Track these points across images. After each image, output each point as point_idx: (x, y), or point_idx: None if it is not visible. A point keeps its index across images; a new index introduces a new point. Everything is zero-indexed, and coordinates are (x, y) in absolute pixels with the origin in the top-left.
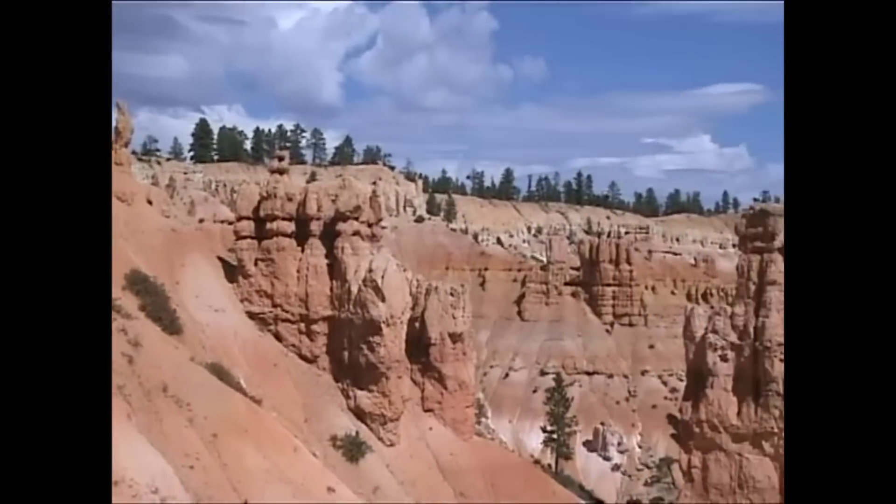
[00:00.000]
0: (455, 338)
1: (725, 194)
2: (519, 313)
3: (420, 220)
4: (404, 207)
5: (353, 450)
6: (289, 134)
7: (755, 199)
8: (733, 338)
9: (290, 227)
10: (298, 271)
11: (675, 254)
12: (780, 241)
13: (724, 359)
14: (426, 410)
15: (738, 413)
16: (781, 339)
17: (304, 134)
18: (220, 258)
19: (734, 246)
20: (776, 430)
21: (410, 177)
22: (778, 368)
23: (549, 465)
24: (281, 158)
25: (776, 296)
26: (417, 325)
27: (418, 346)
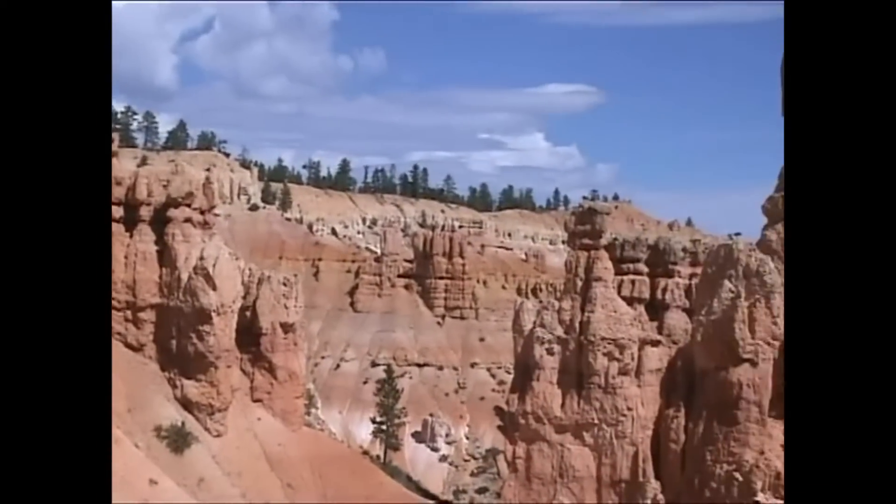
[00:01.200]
0: (287, 328)
1: (557, 192)
2: (352, 304)
3: (254, 208)
4: (238, 195)
5: (178, 440)
6: (119, 116)
7: (584, 198)
8: (560, 332)
9: (118, 211)
10: (126, 257)
11: (507, 249)
12: (606, 238)
13: (550, 352)
14: (255, 401)
15: (562, 405)
16: (605, 334)
17: (135, 116)
18: None
19: (564, 242)
20: (596, 421)
21: (246, 164)
22: (601, 362)
23: (378, 456)
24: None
25: (601, 291)
26: (248, 314)
27: (249, 335)
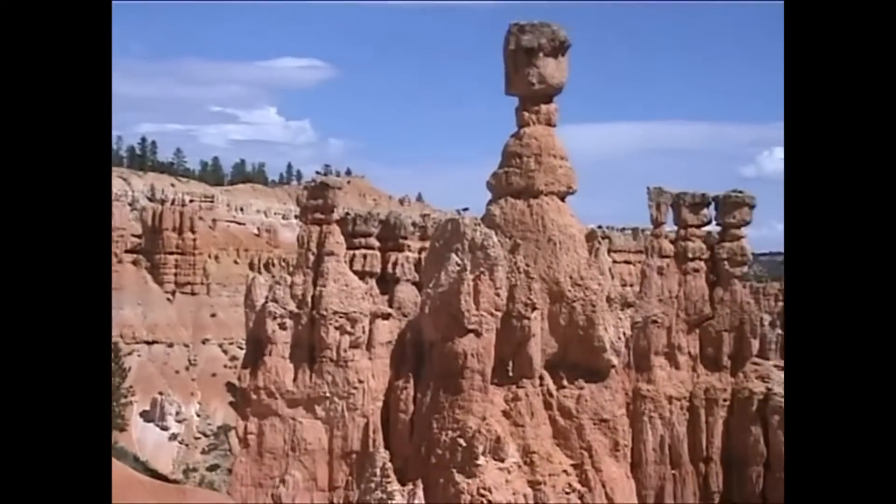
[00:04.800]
0: None
1: (289, 166)
2: None
3: None
4: None
5: None
6: None
7: (317, 172)
8: (292, 306)
9: None
10: None
11: (240, 223)
12: (338, 213)
13: (282, 327)
14: None
15: (294, 379)
16: (337, 308)
17: None
18: None
19: (296, 217)
20: (328, 394)
21: None
22: (333, 336)
23: None
24: None
25: (333, 266)
26: None
27: None
